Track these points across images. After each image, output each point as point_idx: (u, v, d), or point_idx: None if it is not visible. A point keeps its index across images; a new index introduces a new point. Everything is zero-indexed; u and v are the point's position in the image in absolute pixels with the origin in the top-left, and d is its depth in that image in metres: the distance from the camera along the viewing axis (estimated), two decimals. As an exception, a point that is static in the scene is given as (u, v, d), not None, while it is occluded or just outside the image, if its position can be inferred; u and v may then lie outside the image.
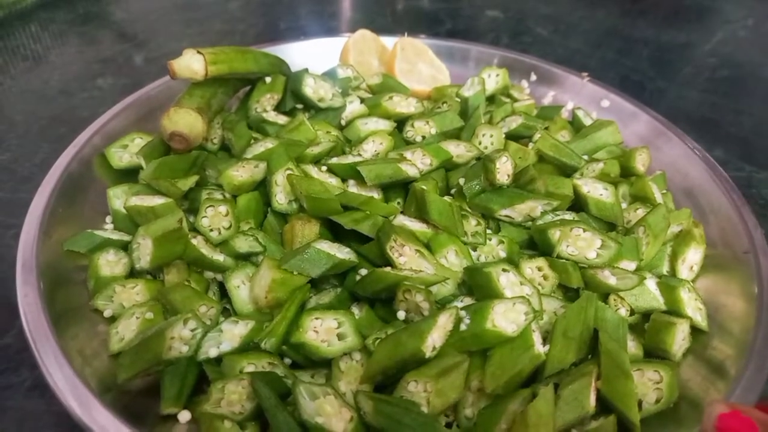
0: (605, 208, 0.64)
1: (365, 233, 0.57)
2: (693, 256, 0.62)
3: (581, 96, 0.89)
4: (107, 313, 0.55)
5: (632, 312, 0.57)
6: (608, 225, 0.64)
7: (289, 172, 0.61)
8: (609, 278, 0.56)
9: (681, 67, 1.13)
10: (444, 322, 0.47)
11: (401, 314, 0.52)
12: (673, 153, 0.75)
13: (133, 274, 0.59)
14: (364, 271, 0.56)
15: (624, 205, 0.68)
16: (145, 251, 0.57)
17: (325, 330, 0.50)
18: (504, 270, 0.53)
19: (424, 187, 0.60)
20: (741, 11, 1.19)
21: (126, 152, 0.71)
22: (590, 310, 0.52)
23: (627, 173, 0.71)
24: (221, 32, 1.30)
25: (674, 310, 0.57)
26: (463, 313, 0.49)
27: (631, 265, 0.60)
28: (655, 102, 0.99)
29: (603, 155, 0.73)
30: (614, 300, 0.57)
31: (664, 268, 0.62)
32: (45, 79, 1.07)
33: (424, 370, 0.45)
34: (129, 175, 0.70)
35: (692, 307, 0.57)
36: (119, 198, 0.65)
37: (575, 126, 0.80)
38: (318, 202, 0.58)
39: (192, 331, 0.50)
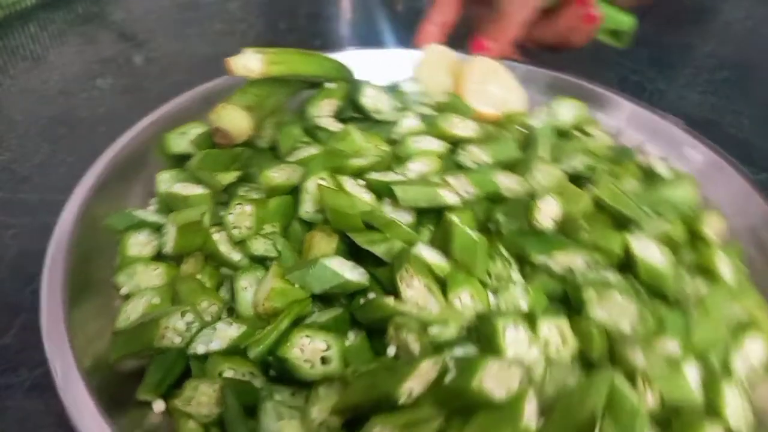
0: (657, 275, 0.57)
1: (380, 256, 0.55)
2: (755, 349, 0.54)
3: (669, 143, 0.80)
4: (124, 291, 0.57)
5: (663, 403, 0.50)
6: (658, 295, 0.57)
7: (321, 181, 0.60)
8: (637, 356, 0.50)
9: (681, 68, 1.09)
10: (427, 370, 0.44)
11: (391, 350, 0.49)
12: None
13: (159, 258, 0.61)
14: (372, 296, 0.54)
15: (685, 275, 0.60)
16: (170, 237, 0.59)
17: (311, 350, 0.49)
18: (515, 324, 0.49)
19: (454, 218, 0.57)
20: (741, 12, 1.11)
21: (183, 139, 0.74)
22: (603, 389, 0.46)
23: (695, 239, 0.63)
24: (221, 32, 1.30)
25: (711, 409, 0.49)
26: (451, 363, 0.45)
27: (673, 346, 0.52)
28: (655, 103, 0.95)
29: (672, 214, 0.65)
30: (642, 383, 0.50)
31: (716, 358, 0.54)
32: (44, 79, 1.09)
33: (393, 417, 0.42)
34: (183, 161, 0.73)
35: (736, 411, 0.49)
36: (166, 182, 0.68)
37: (649, 176, 0.73)
38: (340, 216, 0.57)
39: (188, 324, 0.51)
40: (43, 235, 0.56)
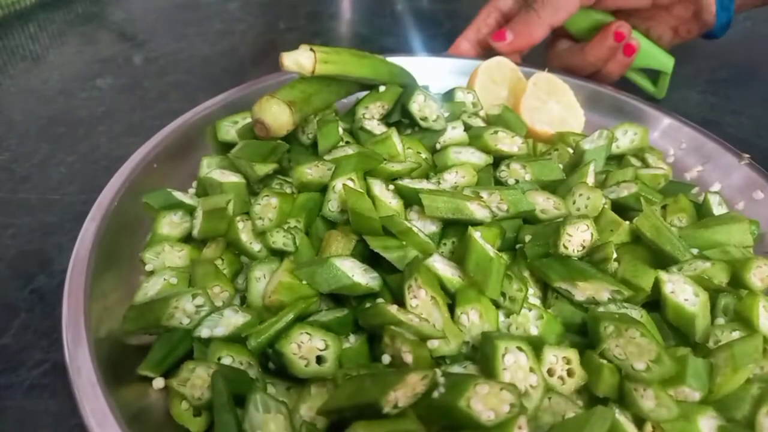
0: (685, 318, 0.53)
1: (392, 262, 0.55)
2: (787, 411, 0.49)
3: (731, 179, 0.75)
4: (148, 267, 0.60)
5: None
6: (684, 338, 0.53)
7: (348, 182, 0.61)
8: (647, 400, 0.46)
9: (680, 68, 1.03)
10: (415, 382, 0.42)
11: (386, 358, 0.48)
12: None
13: (188, 240, 0.63)
14: (380, 301, 0.53)
15: (721, 321, 0.55)
16: (198, 221, 0.61)
17: (308, 348, 0.49)
18: (518, 348, 0.47)
19: (475, 233, 0.55)
20: (740, 13, 1.04)
21: (234, 128, 0.76)
22: (602, 426, 0.43)
23: (738, 284, 0.58)
24: (220, 32, 1.29)
25: (726, 468, 0.45)
26: (442, 379, 0.44)
27: (693, 395, 0.48)
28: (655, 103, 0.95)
29: (717, 255, 0.60)
30: (651, 430, 0.47)
31: (740, 413, 0.49)
32: (44, 79, 1.09)
33: (375, 425, 0.41)
34: (230, 149, 0.75)
35: (754, 472, 0.45)
36: (208, 167, 0.70)
37: (702, 212, 0.68)
38: (360, 218, 0.56)
39: (197, 307, 0.52)
40: (42, 235, 0.57)
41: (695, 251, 0.60)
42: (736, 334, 0.53)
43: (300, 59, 0.68)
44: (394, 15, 1.48)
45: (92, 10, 1.42)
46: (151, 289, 0.56)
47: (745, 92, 1.14)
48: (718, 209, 0.67)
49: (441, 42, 1.33)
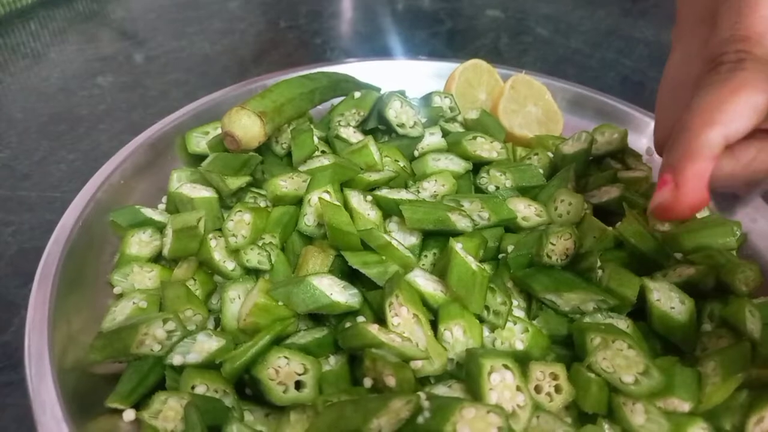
0: (673, 326, 0.52)
1: (372, 278, 0.53)
2: (776, 418, 0.48)
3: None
4: (117, 290, 0.57)
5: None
6: (671, 347, 0.52)
7: (323, 194, 0.58)
8: (636, 415, 0.45)
9: None
10: (397, 408, 0.41)
11: (367, 382, 0.46)
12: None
13: (158, 259, 0.61)
14: (361, 319, 0.52)
15: (708, 328, 0.55)
16: (169, 240, 0.58)
17: (286, 373, 0.47)
18: (504, 366, 0.45)
19: (456, 245, 0.53)
20: None
21: (204, 139, 0.73)
22: (592, 446, 0.42)
23: (723, 289, 0.57)
24: (221, 31, 1.29)
25: (717, 480, 0.44)
26: (426, 404, 0.42)
27: (683, 406, 0.47)
28: (654, 101, 0.93)
29: (701, 259, 0.59)
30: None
31: (730, 423, 0.49)
32: (44, 76, 1.09)
33: (357, 455, 0.40)
34: (201, 161, 0.72)
35: (746, 484, 0.44)
36: (177, 181, 0.68)
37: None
38: (337, 232, 0.55)
39: (169, 332, 0.50)
40: (42, 233, 0.56)
41: (679, 256, 0.59)
42: (723, 342, 0.52)
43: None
44: (394, 14, 1.48)
45: (93, 8, 1.41)
46: (119, 313, 0.53)
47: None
48: (700, 212, 0.67)
49: (441, 41, 1.33)
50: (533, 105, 0.83)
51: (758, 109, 0.41)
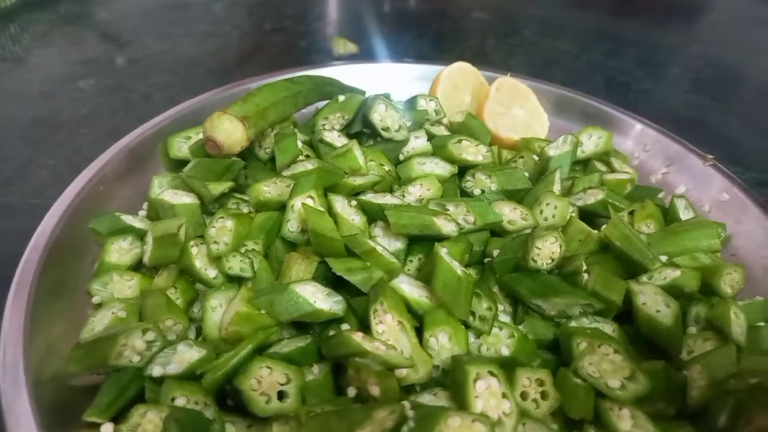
0: (659, 330, 0.52)
1: (357, 285, 0.52)
2: (764, 423, 0.48)
3: (697, 181, 0.74)
4: (96, 299, 0.56)
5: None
6: (657, 350, 0.52)
7: (307, 200, 0.58)
8: (623, 420, 0.45)
9: (668, 68, 1.08)
10: (381, 418, 0.40)
11: (351, 391, 0.45)
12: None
13: (139, 267, 0.60)
14: (345, 326, 0.51)
15: (693, 330, 0.54)
16: (149, 247, 0.57)
17: (268, 383, 0.46)
18: (490, 373, 0.45)
19: (442, 251, 0.53)
20: (727, 14, 1.09)
21: (186, 144, 0.72)
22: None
23: (709, 291, 0.57)
24: (206, 33, 1.28)
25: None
26: (411, 413, 0.41)
27: (669, 410, 0.47)
28: (641, 103, 0.96)
29: (686, 262, 0.59)
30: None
31: (717, 426, 0.48)
32: (26, 80, 1.07)
33: (340, 467, 0.39)
34: (183, 166, 0.71)
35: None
36: (159, 187, 0.67)
37: (669, 217, 0.67)
38: (321, 238, 0.54)
39: (148, 342, 0.49)
40: (24, 239, 0.55)
41: (664, 258, 0.59)
42: (708, 344, 0.52)
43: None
44: (380, 15, 1.47)
45: (76, 10, 1.38)
46: (98, 323, 0.52)
47: (732, 92, 1.15)
48: (684, 213, 0.67)
49: (428, 43, 1.33)
50: (519, 107, 0.83)
51: None
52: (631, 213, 0.66)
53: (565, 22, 1.45)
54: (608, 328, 0.52)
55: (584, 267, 0.55)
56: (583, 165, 0.78)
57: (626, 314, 0.55)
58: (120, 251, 0.59)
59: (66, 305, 0.54)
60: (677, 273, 0.56)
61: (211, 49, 1.22)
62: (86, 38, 1.26)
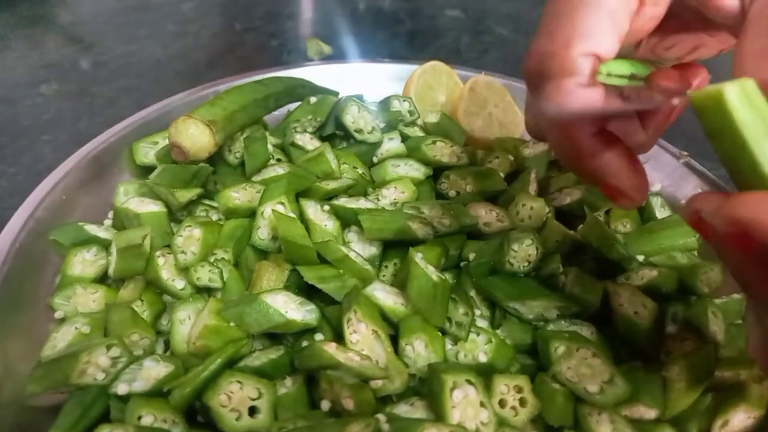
0: (637, 331, 0.51)
1: (330, 294, 0.51)
2: (740, 422, 0.48)
3: (672, 178, 0.74)
4: (58, 314, 0.54)
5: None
6: (636, 352, 0.51)
7: (277, 206, 0.56)
8: (602, 425, 0.44)
9: None
10: (356, 433, 0.39)
11: (325, 404, 0.44)
12: None
13: (104, 280, 0.57)
14: (319, 336, 0.49)
15: (671, 330, 0.54)
16: (113, 259, 0.55)
17: (239, 398, 0.44)
18: (467, 382, 0.44)
19: (416, 256, 0.52)
20: None
21: (153, 149, 0.70)
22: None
23: (686, 291, 0.57)
24: (173, 34, 1.24)
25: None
26: (386, 426, 0.40)
27: (649, 413, 0.47)
28: None
29: (663, 261, 0.59)
30: (609, 454, 0.45)
31: (696, 427, 0.48)
32: None
33: (314, 486, 0.38)
34: (150, 173, 0.69)
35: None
36: (125, 195, 0.64)
37: (645, 215, 0.67)
38: (292, 246, 0.52)
39: (113, 359, 0.47)
40: None
41: (641, 258, 0.59)
42: (687, 344, 0.52)
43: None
44: (354, 14, 1.44)
45: (38, 12, 1.32)
46: (60, 340, 0.50)
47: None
48: (661, 211, 0.66)
49: (402, 41, 1.31)
50: (494, 107, 0.82)
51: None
52: (608, 212, 0.66)
53: (538, 19, 1.46)
54: (586, 330, 0.51)
55: (561, 269, 0.55)
56: (559, 164, 0.77)
57: (604, 316, 0.54)
58: (84, 263, 0.57)
59: (26, 321, 0.52)
60: (654, 273, 0.56)
61: (179, 50, 1.19)
62: (48, 41, 1.21)
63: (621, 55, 0.36)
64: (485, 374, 0.46)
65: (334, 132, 0.74)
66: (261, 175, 0.64)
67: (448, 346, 0.50)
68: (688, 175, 0.73)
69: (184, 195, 0.60)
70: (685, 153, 0.75)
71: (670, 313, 0.55)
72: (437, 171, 0.69)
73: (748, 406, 0.48)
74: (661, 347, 0.52)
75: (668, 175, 0.74)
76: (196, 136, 0.59)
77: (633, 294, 0.53)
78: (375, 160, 0.71)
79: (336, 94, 0.80)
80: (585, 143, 0.39)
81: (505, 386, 0.46)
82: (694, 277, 0.56)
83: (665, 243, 0.60)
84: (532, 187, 0.66)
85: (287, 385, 0.46)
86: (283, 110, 0.78)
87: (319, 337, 0.49)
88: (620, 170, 0.38)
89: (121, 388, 0.45)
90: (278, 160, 0.68)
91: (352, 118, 0.71)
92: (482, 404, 0.43)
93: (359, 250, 0.57)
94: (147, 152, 0.70)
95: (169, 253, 0.55)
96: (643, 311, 0.52)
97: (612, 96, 0.33)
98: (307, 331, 0.50)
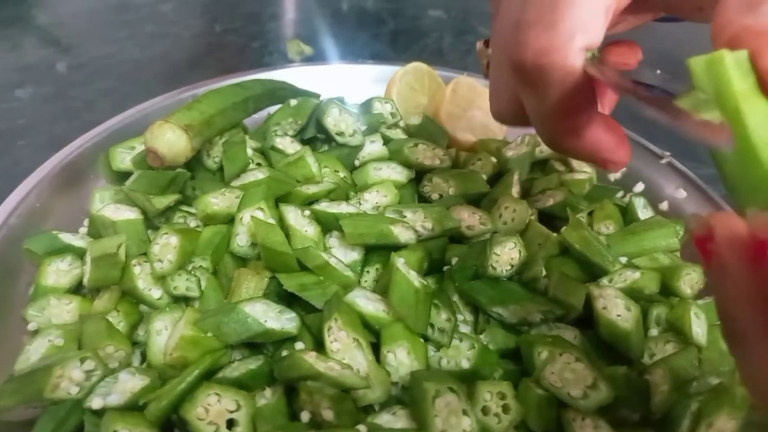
0: (620, 335, 0.51)
1: (311, 302, 0.50)
2: (725, 425, 0.47)
3: (654, 178, 0.74)
4: (32, 326, 0.52)
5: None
6: (619, 356, 0.51)
7: (256, 212, 0.55)
8: (586, 430, 0.44)
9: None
10: (336, 445, 0.38)
11: (305, 416, 0.43)
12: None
13: (78, 290, 0.56)
14: (299, 345, 0.49)
15: (654, 333, 0.54)
16: (88, 268, 0.54)
17: (216, 411, 0.43)
18: (450, 390, 0.43)
19: (398, 261, 0.51)
20: None
21: (130, 155, 0.69)
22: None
23: (668, 292, 0.57)
24: (153, 35, 1.23)
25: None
26: (367, 438, 0.39)
27: (632, 417, 0.47)
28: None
29: (646, 263, 0.59)
30: (593, 459, 0.44)
31: (680, 431, 0.48)
32: None
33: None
34: (127, 179, 0.68)
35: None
36: (101, 202, 0.63)
37: (628, 216, 0.67)
38: (271, 253, 0.51)
39: (87, 372, 0.45)
40: None
41: (624, 260, 0.59)
42: (670, 347, 0.51)
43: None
44: (337, 15, 1.43)
45: (14, 13, 1.28)
46: (33, 353, 0.48)
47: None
48: (643, 212, 0.66)
49: (384, 42, 1.29)
50: (476, 108, 0.82)
51: None
52: (590, 214, 0.66)
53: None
54: (570, 334, 0.51)
55: (543, 272, 0.54)
56: (542, 165, 0.77)
57: (588, 318, 0.54)
58: (58, 273, 0.56)
59: (2, 334, 0.51)
60: (637, 275, 0.56)
61: (159, 51, 1.17)
62: (24, 43, 1.18)
63: None
64: (468, 380, 0.46)
65: (315, 135, 0.73)
66: (240, 180, 0.63)
67: (431, 352, 0.49)
68: (671, 175, 0.73)
69: (162, 201, 0.59)
70: (668, 153, 0.75)
71: (653, 316, 0.55)
72: (419, 174, 0.68)
73: (732, 408, 0.47)
74: (644, 351, 0.52)
75: (650, 176, 0.74)
76: (172, 141, 0.58)
77: (616, 297, 0.52)
78: (357, 163, 0.70)
79: (317, 96, 0.79)
80: (584, 126, 0.39)
81: (488, 393, 0.46)
82: (676, 279, 0.56)
83: (648, 244, 0.60)
84: (515, 190, 0.66)
85: (266, 397, 0.45)
86: (263, 113, 0.77)
87: (299, 345, 0.49)
88: (611, 143, 0.40)
89: (96, 402, 0.44)
90: (258, 164, 0.67)
91: (333, 120, 0.71)
92: (465, 412, 0.42)
93: (340, 255, 0.56)
94: (124, 157, 0.68)
95: (146, 262, 0.54)
96: (626, 314, 0.52)
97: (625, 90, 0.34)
98: (287, 340, 0.49)
